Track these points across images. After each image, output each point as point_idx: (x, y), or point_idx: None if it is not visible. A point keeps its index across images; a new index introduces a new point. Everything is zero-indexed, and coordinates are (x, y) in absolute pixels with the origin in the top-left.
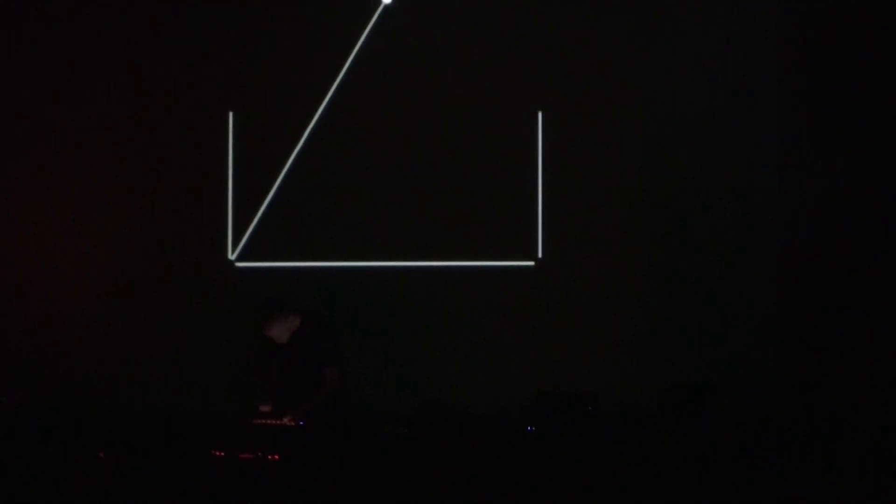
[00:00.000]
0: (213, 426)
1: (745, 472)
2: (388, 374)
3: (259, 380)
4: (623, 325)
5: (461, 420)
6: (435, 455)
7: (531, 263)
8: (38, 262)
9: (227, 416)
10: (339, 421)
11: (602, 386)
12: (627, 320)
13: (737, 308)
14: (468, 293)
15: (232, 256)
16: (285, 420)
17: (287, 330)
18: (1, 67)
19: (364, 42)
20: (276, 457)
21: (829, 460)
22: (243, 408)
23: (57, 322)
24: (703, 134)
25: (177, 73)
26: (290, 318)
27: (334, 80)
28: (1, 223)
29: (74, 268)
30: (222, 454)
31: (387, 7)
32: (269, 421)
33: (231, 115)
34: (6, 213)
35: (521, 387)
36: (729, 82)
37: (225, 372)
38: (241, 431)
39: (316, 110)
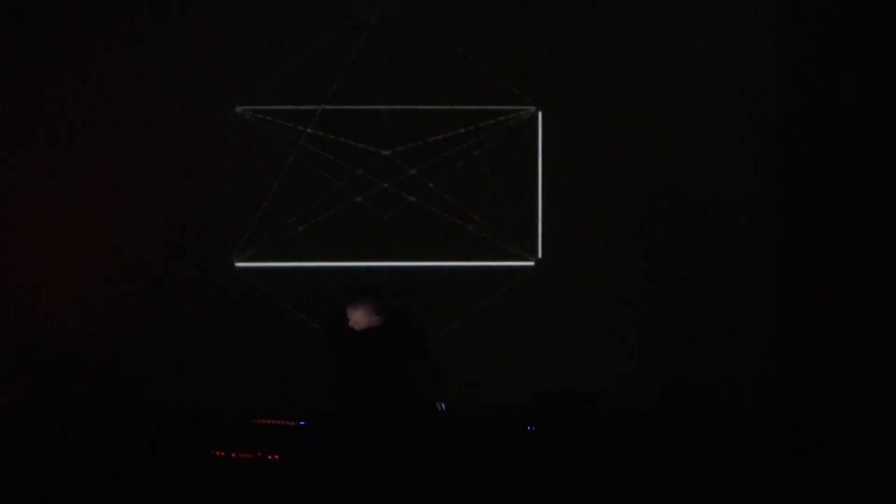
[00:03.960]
0: (213, 426)
1: (745, 472)
2: None
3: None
4: (623, 325)
5: (461, 420)
6: (435, 455)
7: (531, 263)
8: (39, 263)
9: (227, 416)
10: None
11: (602, 386)
12: (628, 320)
13: (737, 308)
14: (469, 293)
15: (232, 257)
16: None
17: (372, 314)
18: (2, 67)
19: (364, 42)
20: (276, 457)
21: (829, 460)
22: (243, 408)
23: (57, 322)
24: (703, 134)
25: (177, 73)
26: (378, 306)
27: (334, 80)
28: (1, 224)
29: (75, 268)
30: (222, 454)
31: (387, 7)
32: (269, 421)
33: (231, 114)
34: (7, 213)
35: (521, 387)
36: (729, 82)
37: (225, 372)
38: (241, 431)
39: (316, 110)
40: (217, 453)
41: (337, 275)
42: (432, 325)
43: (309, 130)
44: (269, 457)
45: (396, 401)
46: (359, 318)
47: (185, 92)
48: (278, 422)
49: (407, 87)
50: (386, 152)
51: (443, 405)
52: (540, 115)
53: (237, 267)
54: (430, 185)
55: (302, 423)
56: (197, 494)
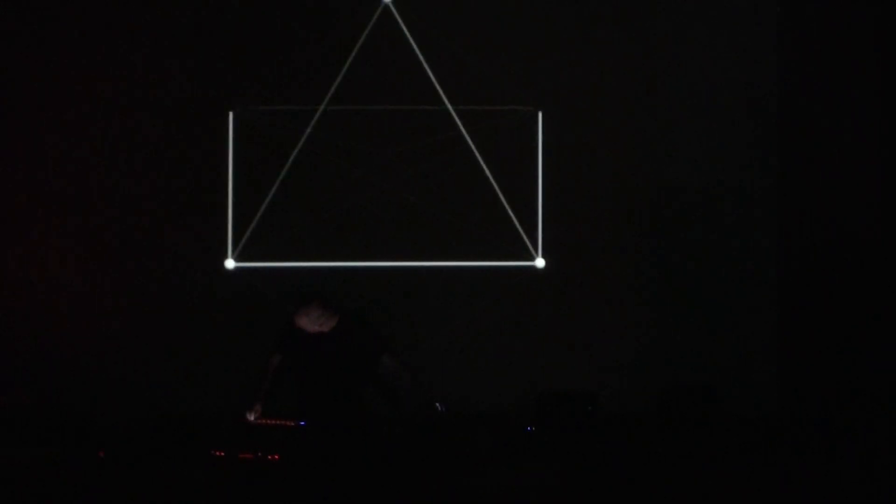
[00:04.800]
0: (213, 426)
1: (745, 473)
2: None
3: (261, 379)
4: (623, 325)
5: (461, 420)
6: (435, 455)
7: (532, 264)
8: (38, 263)
9: (227, 416)
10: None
11: (602, 386)
12: (627, 321)
13: (737, 309)
14: (469, 293)
15: (232, 257)
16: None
17: (322, 318)
18: (0, 67)
19: (364, 42)
20: (276, 457)
21: (829, 460)
22: (243, 408)
23: (57, 322)
24: (703, 134)
25: (177, 73)
26: (328, 310)
27: (334, 79)
28: (1, 223)
29: (74, 268)
30: (222, 454)
31: (387, 7)
32: (269, 421)
33: (231, 115)
34: (6, 213)
35: (521, 387)
36: (729, 82)
37: (225, 372)
38: (241, 431)
39: (316, 110)
40: (217, 453)
41: (337, 275)
42: (433, 326)
43: (309, 131)
44: (269, 457)
45: (358, 404)
46: (306, 323)
47: (184, 92)
48: (278, 422)
49: (407, 87)
50: (386, 152)
51: (442, 406)
52: (540, 115)
53: (237, 267)
54: (430, 185)
55: (302, 423)
56: (197, 494)
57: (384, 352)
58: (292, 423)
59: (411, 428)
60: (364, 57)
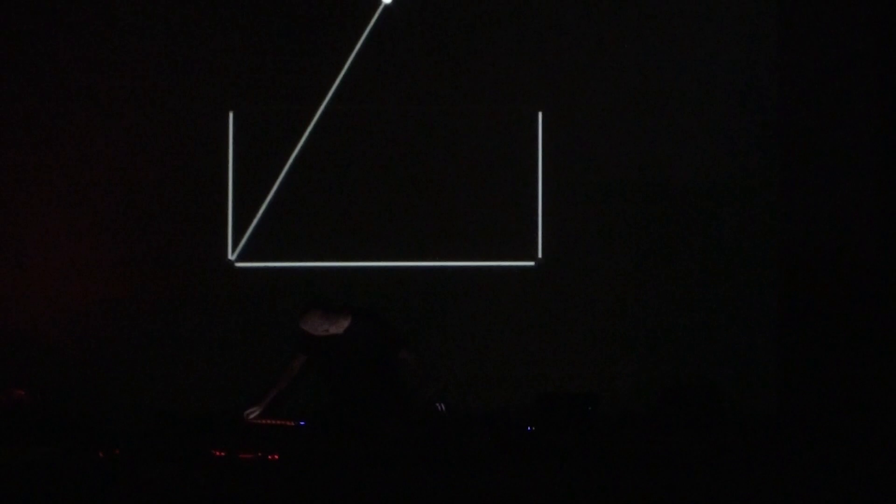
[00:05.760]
0: (213, 426)
1: (745, 472)
2: None
3: (275, 381)
4: (623, 325)
5: (461, 420)
6: (435, 455)
7: (531, 263)
8: (38, 262)
9: (227, 416)
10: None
11: (602, 386)
12: (628, 320)
13: (737, 308)
14: (468, 293)
15: (232, 256)
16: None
17: (326, 324)
18: (0, 67)
19: (364, 42)
20: (276, 457)
21: (829, 460)
22: (243, 408)
23: (57, 322)
24: (703, 133)
25: (177, 73)
26: (330, 315)
27: (334, 79)
28: (0, 222)
29: (74, 267)
30: (222, 454)
31: (387, 7)
32: (268, 421)
33: (231, 115)
34: (6, 212)
35: (521, 387)
36: (729, 82)
37: (225, 372)
38: (241, 431)
39: (316, 110)
40: (217, 453)
41: (337, 275)
42: (433, 326)
43: (309, 130)
44: (269, 457)
45: (379, 401)
46: (313, 329)
47: (185, 91)
48: (278, 422)
49: (407, 87)
50: (386, 152)
51: (442, 406)
52: (540, 115)
53: (237, 267)
54: (431, 184)
55: (302, 423)
56: (197, 494)
57: (401, 347)
58: (292, 423)
59: (411, 428)
60: (364, 57)
